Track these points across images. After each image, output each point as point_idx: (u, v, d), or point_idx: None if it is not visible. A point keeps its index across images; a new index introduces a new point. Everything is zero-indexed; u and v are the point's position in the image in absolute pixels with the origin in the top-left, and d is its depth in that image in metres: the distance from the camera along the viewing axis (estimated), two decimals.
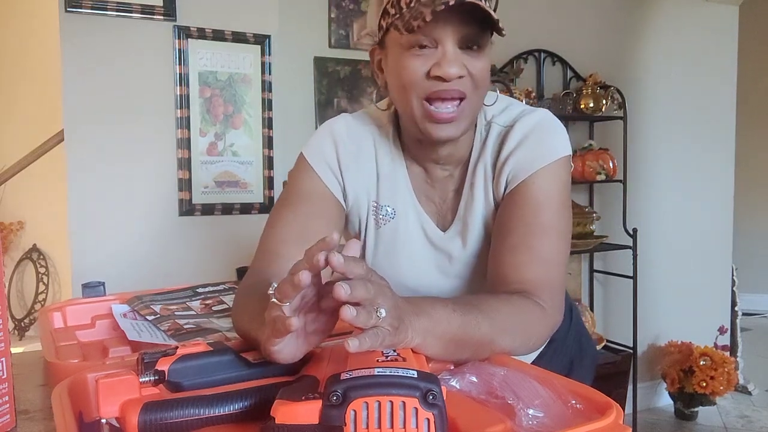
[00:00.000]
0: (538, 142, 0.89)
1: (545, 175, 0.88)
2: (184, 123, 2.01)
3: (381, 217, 0.99)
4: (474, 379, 0.63)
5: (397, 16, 0.81)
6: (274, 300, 0.58)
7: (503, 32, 0.81)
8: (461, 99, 0.83)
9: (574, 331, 1.10)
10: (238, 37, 2.07)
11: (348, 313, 0.54)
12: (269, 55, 2.12)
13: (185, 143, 2.01)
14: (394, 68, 0.86)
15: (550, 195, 0.87)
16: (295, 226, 0.92)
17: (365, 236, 1.01)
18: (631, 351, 2.85)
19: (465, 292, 0.99)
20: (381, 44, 0.90)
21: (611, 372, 2.71)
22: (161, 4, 1.95)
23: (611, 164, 2.78)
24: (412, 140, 0.94)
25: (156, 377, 0.60)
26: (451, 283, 0.99)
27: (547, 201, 0.87)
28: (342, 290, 0.53)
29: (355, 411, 0.48)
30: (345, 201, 0.97)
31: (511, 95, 2.41)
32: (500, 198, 0.92)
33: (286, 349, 0.59)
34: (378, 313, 0.56)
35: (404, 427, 0.48)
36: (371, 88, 2.46)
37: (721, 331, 3.25)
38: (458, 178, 0.96)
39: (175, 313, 1.01)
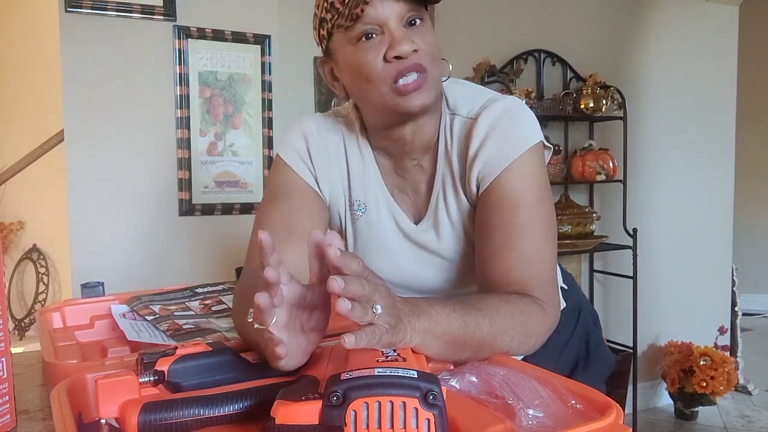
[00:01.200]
0: (504, 135, 0.87)
1: (517, 169, 0.86)
2: (184, 123, 2.01)
3: (355, 211, 1.00)
4: (474, 379, 0.63)
5: (336, 16, 0.82)
6: (257, 326, 0.57)
7: None
8: (424, 72, 0.83)
9: (580, 332, 1.08)
10: (238, 37, 2.07)
11: (343, 306, 0.53)
12: (269, 55, 2.12)
13: (185, 143, 2.01)
14: (349, 68, 0.86)
15: (525, 190, 0.86)
16: (280, 221, 0.93)
17: (345, 231, 1.02)
18: (631, 351, 2.85)
19: (443, 283, 0.98)
20: (327, 54, 0.90)
21: (611, 372, 2.71)
22: (161, 4, 1.95)
23: (611, 164, 2.78)
24: (378, 131, 0.94)
25: (155, 377, 0.60)
26: (429, 275, 0.99)
27: (522, 198, 0.85)
28: (335, 283, 0.53)
29: (355, 411, 0.47)
30: (322, 194, 0.98)
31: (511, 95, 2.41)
32: (474, 196, 0.90)
33: (292, 360, 0.59)
34: (374, 309, 0.56)
35: (404, 428, 0.47)
36: None
37: (721, 331, 3.25)
38: (428, 170, 0.96)
39: (175, 313, 1.01)
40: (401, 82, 0.82)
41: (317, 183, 0.97)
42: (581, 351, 1.07)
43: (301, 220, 0.93)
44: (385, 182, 0.98)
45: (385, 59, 0.81)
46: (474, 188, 0.90)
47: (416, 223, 0.97)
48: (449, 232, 0.94)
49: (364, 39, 0.82)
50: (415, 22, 0.83)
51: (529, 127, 0.89)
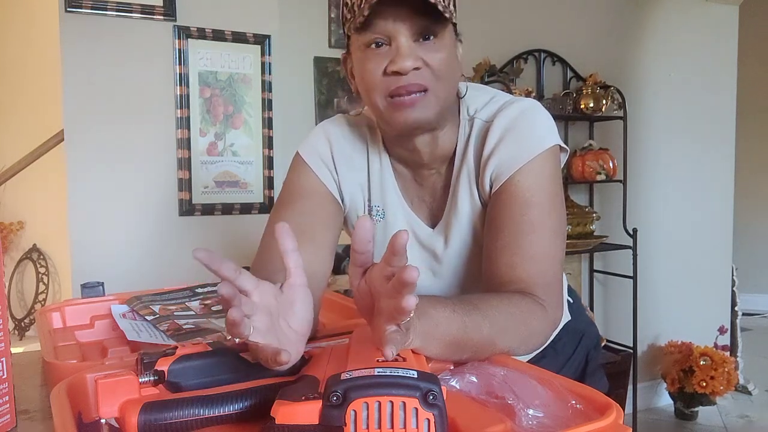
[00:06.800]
0: (518, 137, 0.87)
1: (530, 171, 0.86)
2: (184, 123, 2.01)
3: (373, 216, 0.99)
4: (474, 379, 0.63)
5: (352, 19, 0.82)
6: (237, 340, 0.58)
7: (446, 15, 0.79)
8: (424, 91, 0.82)
9: (579, 356, 1.07)
10: (238, 37, 2.07)
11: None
12: (269, 55, 2.12)
13: (185, 143, 2.01)
14: (358, 71, 0.86)
15: (537, 191, 0.85)
16: (293, 222, 0.92)
17: None
18: (631, 351, 2.85)
19: (452, 292, 0.98)
20: (348, 51, 0.90)
21: (611, 372, 2.71)
22: (161, 4, 1.95)
23: (611, 164, 2.78)
24: (391, 139, 0.94)
25: (155, 377, 0.60)
26: (438, 283, 0.99)
27: (533, 198, 0.85)
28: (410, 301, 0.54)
29: (355, 411, 0.47)
30: (342, 198, 0.98)
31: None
32: (487, 197, 0.90)
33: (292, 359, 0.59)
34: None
35: (404, 428, 0.47)
36: None
37: (721, 331, 3.25)
38: (445, 176, 0.96)
39: (175, 313, 1.01)
40: (396, 96, 0.82)
41: (339, 189, 0.97)
42: (576, 376, 1.06)
43: (314, 223, 0.92)
44: (404, 194, 0.98)
45: (385, 72, 0.81)
46: (487, 188, 0.90)
47: (433, 227, 0.97)
48: (459, 237, 0.94)
49: (373, 46, 0.81)
50: (428, 38, 0.81)
51: (545, 130, 0.89)
